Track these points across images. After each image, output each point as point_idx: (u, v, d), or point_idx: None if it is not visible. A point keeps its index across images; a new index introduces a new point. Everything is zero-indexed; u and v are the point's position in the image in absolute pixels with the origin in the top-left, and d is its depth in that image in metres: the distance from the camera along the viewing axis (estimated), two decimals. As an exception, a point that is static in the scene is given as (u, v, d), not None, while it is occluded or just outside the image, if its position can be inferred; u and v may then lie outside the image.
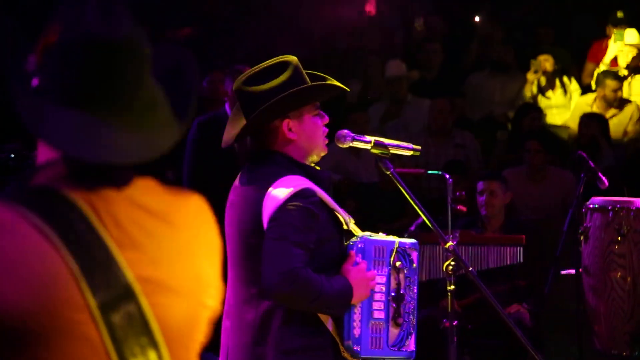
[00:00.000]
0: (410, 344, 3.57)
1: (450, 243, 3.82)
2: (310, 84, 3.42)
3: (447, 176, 5.05)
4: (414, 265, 3.63)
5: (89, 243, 1.62)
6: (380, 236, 3.59)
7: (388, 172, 3.71)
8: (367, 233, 3.56)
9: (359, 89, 9.78)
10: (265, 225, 3.32)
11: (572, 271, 5.65)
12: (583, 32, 10.24)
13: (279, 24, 10.00)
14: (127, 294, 1.63)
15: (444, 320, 4.22)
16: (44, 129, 1.64)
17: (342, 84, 3.55)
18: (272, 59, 3.45)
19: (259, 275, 3.31)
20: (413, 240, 3.67)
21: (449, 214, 5.04)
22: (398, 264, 3.56)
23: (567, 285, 6.01)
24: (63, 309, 1.59)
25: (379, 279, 3.51)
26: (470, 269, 3.82)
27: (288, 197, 3.30)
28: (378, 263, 3.52)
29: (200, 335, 1.77)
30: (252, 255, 3.36)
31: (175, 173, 7.46)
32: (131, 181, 1.71)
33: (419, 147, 3.85)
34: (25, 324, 1.56)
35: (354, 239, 3.50)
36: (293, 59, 3.45)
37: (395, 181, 3.71)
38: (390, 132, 9.03)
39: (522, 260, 6.14)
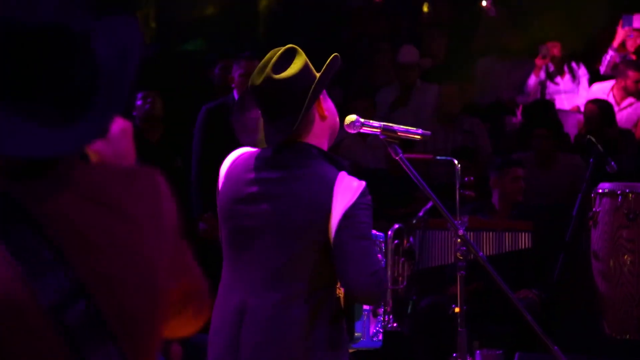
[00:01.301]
0: (381, 334, 3.59)
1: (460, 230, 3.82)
2: (328, 60, 3.33)
3: (456, 162, 5.03)
4: (386, 257, 3.68)
5: (33, 244, 1.58)
6: None
7: (397, 158, 3.70)
8: None
9: (365, 75, 9.76)
10: (334, 223, 3.23)
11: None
12: (592, 17, 10.19)
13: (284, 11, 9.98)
14: (77, 293, 1.59)
15: (453, 306, 4.21)
16: None
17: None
18: (274, 50, 3.34)
19: (310, 271, 3.25)
20: (381, 233, 3.67)
21: (457, 199, 5.03)
22: None
23: (576, 270, 6.00)
24: (12, 314, 1.56)
25: None
26: (481, 254, 3.81)
27: (358, 195, 3.24)
28: None
29: (166, 323, 1.73)
30: (306, 250, 3.26)
31: (184, 160, 7.46)
32: (78, 174, 1.66)
33: (429, 132, 3.83)
34: None
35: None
36: (291, 45, 3.37)
37: (405, 166, 3.69)
38: (398, 118, 9.02)
39: (530, 246, 6.13)
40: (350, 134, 3.79)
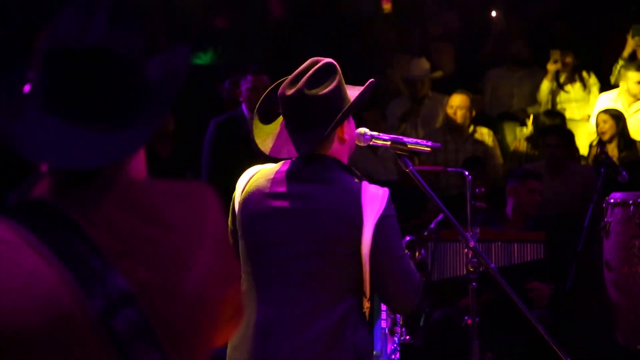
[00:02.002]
0: (398, 352, 3.62)
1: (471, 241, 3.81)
2: (364, 87, 3.39)
3: (467, 173, 5.02)
4: None
5: (82, 253, 1.64)
6: None
7: (407, 170, 3.70)
8: None
9: (376, 86, 9.76)
10: (367, 236, 3.25)
11: None
12: (601, 26, 10.19)
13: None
14: (125, 300, 1.64)
15: (466, 318, 4.20)
16: (20, 139, 1.66)
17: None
18: (312, 61, 3.36)
19: (335, 283, 3.27)
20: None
21: (469, 210, 5.02)
22: None
23: (589, 280, 5.98)
24: (63, 321, 1.60)
25: None
26: (492, 265, 3.81)
27: (385, 206, 3.28)
28: None
29: (211, 332, 1.77)
30: (333, 262, 3.27)
31: (194, 173, 7.48)
32: (122, 186, 1.72)
33: (439, 144, 3.84)
34: (28, 340, 1.58)
35: None
36: (330, 60, 3.39)
37: (415, 179, 3.70)
38: (409, 129, 9.02)
39: (543, 257, 6.11)
40: (361, 146, 3.80)
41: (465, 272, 3.97)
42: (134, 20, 1.74)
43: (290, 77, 3.36)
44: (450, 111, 8.66)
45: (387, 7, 10.56)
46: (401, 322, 3.76)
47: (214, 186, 5.75)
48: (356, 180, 3.33)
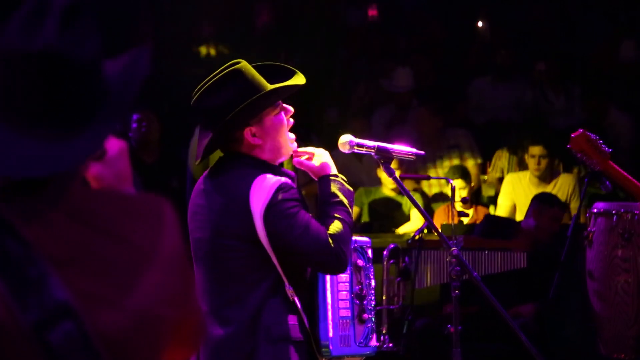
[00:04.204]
0: (374, 339, 3.64)
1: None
2: (261, 92, 3.41)
3: (451, 181, 5.04)
4: (370, 261, 3.74)
5: (19, 261, 1.56)
6: None
7: (391, 178, 3.72)
8: None
9: (362, 94, 9.77)
10: (258, 226, 3.34)
11: None
12: (588, 37, 10.22)
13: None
14: (63, 312, 1.56)
15: (448, 326, 4.21)
16: None
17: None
18: (222, 68, 3.46)
19: (242, 277, 3.38)
20: (366, 238, 3.78)
21: (452, 218, 5.03)
22: (359, 262, 3.67)
23: (571, 290, 6.00)
24: (2, 330, 1.53)
25: (342, 278, 3.61)
26: (475, 274, 3.82)
27: (273, 193, 3.34)
28: None
29: (159, 352, 1.69)
30: (234, 257, 3.39)
31: (179, 179, 7.47)
32: (73, 196, 1.65)
33: (423, 152, 3.85)
34: None
35: None
36: (242, 65, 3.45)
37: (399, 186, 3.71)
38: (394, 138, 9.02)
39: (526, 266, 6.13)
40: (345, 153, 3.82)
41: (448, 280, 3.97)
42: (89, 23, 1.66)
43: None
44: (416, 126, 8.68)
45: (373, 15, 10.57)
46: (384, 330, 3.77)
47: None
48: (262, 172, 3.40)
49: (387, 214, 7.83)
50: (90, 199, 1.69)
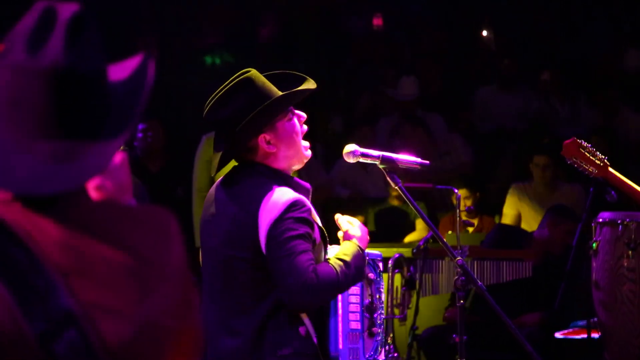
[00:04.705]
0: (382, 353, 3.63)
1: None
2: (273, 98, 3.41)
3: (456, 190, 5.03)
4: (381, 275, 3.74)
5: (25, 270, 1.57)
6: None
7: (396, 187, 3.71)
8: (335, 246, 3.60)
9: (367, 102, 9.77)
10: (262, 239, 3.34)
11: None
12: (593, 46, 10.22)
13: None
14: (69, 322, 1.57)
15: (454, 336, 4.20)
16: None
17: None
18: (232, 77, 3.46)
19: (250, 288, 3.37)
20: (378, 252, 3.78)
21: (458, 228, 5.03)
22: (371, 275, 3.66)
23: (577, 300, 5.99)
24: (6, 339, 1.54)
25: (353, 290, 3.59)
26: (480, 283, 3.81)
27: (283, 209, 3.33)
28: None
29: (162, 358, 1.70)
30: (239, 266, 3.38)
31: (184, 189, 7.47)
32: (81, 209, 1.66)
33: (428, 162, 3.85)
34: None
35: (329, 253, 3.54)
36: (252, 73, 3.45)
37: (404, 196, 3.71)
38: (399, 147, 9.02)
39: (531, 275, 6.12)
40: (350, 162, 3.82)
41: (453, 289, 3.97)
42: (93, 36, 1.66)
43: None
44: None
45: (377, 24, 10.58)
46: (390, 340, 3.77)
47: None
48: (276, 185, 3.39)
49: (392, 224, 7.83)
50: (97, 210, 1.69)
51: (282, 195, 3.36)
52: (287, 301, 3.32)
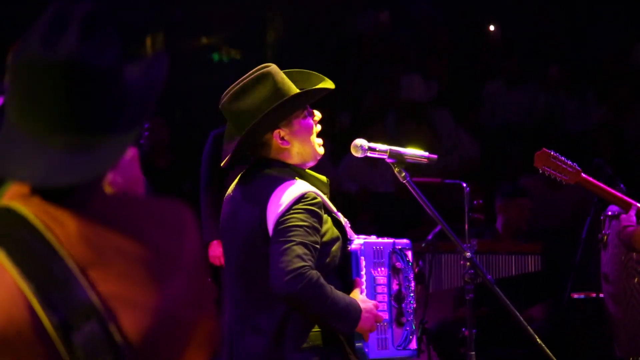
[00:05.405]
0: (413, 342, 3.61)
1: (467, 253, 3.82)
2: (290, 94, 3.44)
3: (464, 184, 5.03)
4: (410, 264, 3.69)
5: (45, 262, 1.59)
6: (375, 239, 3.64)
7: (404, 181, 3.71)
8: (362, 236, 3.60)
9: (373, 100, 9.78)
10: (270, 232, 3.35)
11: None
12: (599, 41, 10.20)
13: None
14: (88, 312, 1.58)
15: (463, 330, 4.20)
16: None
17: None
18: (252, 71, 3.48)
19: (262, 282, 3.35)
20: (406, 240, 3.73)
21: (466, 222, 5.03)
22: (397, 264, 3.62)
23: (586, 293, 5.99)
24: (17, 331, 1.56)
25: (380, 280, 3.57)
26: (489, 277, 3.81)
27: (292, 202, 3.33)
28: (378, 264, 3.58)
29: (180, 355, 1.71)
30: (259, 262, 3.38)
31: (192, 184, 7.49)
32: (97, 202, 1.68)
33: (435, 156, 3.85)
34: None
35: (354, 243, 3.53)
36: (272, 68, 3.48)
37: (412, 190, 3.71)
38: (406, 142, 9.01)
39: (540, 269, 6.12)
40: (358, 157, 3.82)
41: (462, 283, 3.96)
42: (109, 30, 1.69)
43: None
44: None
45: (383, 21, 10.56)
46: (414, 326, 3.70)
47: (213, 197, 5.75)
48: (288, 180, 3.39)
49: (400, 218, 7.83)
50: (114, 203, 1.71)
51: (293, 188, 3.37)
52: (273, 287, 3.29)
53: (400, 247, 3.66)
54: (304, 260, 3.27)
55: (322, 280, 3.29)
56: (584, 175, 5.06)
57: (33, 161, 1.62)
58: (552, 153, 5.08)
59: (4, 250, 1.58)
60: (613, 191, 5.10)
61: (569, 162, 5.06)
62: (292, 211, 3.32)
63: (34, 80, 1.64)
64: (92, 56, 1.65)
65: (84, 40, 1.65)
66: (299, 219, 3.31)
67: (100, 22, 1.68)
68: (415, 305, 3.68)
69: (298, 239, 3.28)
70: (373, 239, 3.63)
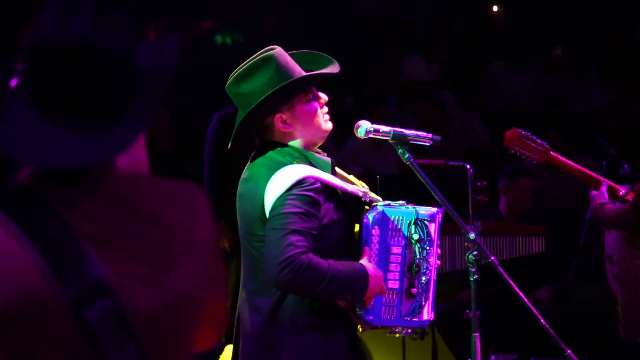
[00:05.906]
0: (423, 314, 3.58)
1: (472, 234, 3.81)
2: (292, 78, 3.43)
3: (468, 166, 5.03)
4: (431, 236, 3.62)
5: (59, 239, 1.60)
6: (399, 206, 3.60)
7: (408, 163, 3.71)
8: (386, 202, 3.56)
9: (376, 82, 9.76)
10: (268, 215, 3.36)
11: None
12: (603, 21, 10.18)
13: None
14: (101, 290, 1.60)
15: (467, 311, 4.20)
16: (4, 136, 1.62)
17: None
18: (257, 53, 3.48)
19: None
20: (432, 210, 3.65)
21: (470, 204, 5.02)
22: (415, 236, 3.57)
23: (590, 274, 5.99)
24: (32, 307, 1.57)
25: (395, 250, 3.54)
26: (493, 258, 3.81)
27: (288, 187, 3.33)
28: (394, 234, 3.55)
29: (192, 334, 1.73)
30: (259, 247, 3.40)
31: (195, 167, 7.48)
32: (110, 183, 1.69)
33: (439, 137, 3.84)
34: None
35: (371, 211, 3.52)
36: (276, 51, 3.47)
37: (416, 172, 3.70)
38: (409, 124, 9.00)
39: (544, 250, 6.12)
40: (363, 139, 3.81)
41: (466, 265, 3.96)
42: (120, 14, 1.69)
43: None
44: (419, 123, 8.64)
45: (386, 2, 10.54)
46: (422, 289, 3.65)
47: (217, 180, 5.76)
48: (288, 164, 3.40)
49: (405, 200, 7.82)
50: (126, 184, 1.72)
51: (291, 172, 3.37)
52: (268, 278, 3.32)
53: (421, 219, 3.62)
54: (296, 247, 3.27)
55: (314, 261, 3.27)
56: (553, 153, 5.04)
57: (47, 143, 1.63)
58: (522, 132, 5.06)
59: (19, 227, 1.59)
60: (582, 168, 5.09)
61: (539, 141, 5.04)
62: (288, 197, 3.32)
63: (46, 61, 1.65)
64: (104, 38, 1.67)
65: (96, 22, 1.66)
66: (293, 205, 3.31)
67: (112, 5, 1.69)
68: (433, 278, 3.62)
69: (291, 227, 3.28)
70: (397, 206, 3.59)
